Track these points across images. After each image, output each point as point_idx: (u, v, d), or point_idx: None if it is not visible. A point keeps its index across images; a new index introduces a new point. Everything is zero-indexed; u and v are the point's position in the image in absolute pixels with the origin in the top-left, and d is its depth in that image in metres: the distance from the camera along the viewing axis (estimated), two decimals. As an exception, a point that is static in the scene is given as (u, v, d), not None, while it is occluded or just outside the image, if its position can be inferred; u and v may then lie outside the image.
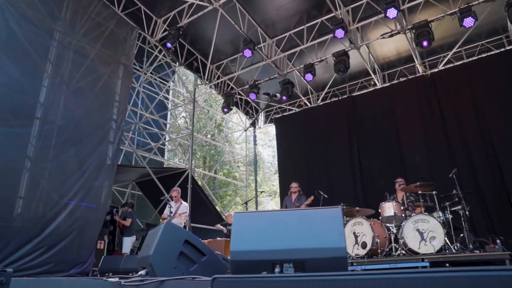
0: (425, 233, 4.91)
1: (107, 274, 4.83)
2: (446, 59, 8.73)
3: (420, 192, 5.54)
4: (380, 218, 5.83)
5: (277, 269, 1.84)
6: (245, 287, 1.42)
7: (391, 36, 7.87)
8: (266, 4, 8.22)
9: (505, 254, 4.38)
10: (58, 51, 6.06)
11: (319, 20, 8.41)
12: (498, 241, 4.81)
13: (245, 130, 12.27)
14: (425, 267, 4.63)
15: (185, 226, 7.22)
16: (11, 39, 5.27)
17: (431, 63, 9.27)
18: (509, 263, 4.29)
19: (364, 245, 5.36)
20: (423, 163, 8.05)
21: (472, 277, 1.17)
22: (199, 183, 12.25)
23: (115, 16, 7.41)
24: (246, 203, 8.06)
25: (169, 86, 14.70)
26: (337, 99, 10.43)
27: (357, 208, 6.05)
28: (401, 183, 6.39)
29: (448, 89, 8.25)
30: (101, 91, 6.68)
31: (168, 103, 15.56)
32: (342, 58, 8.18)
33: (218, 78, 10.54)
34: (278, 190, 15.43)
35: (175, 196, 6.67)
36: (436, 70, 8.89)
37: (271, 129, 16.01)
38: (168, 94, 15.58)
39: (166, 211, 6.55)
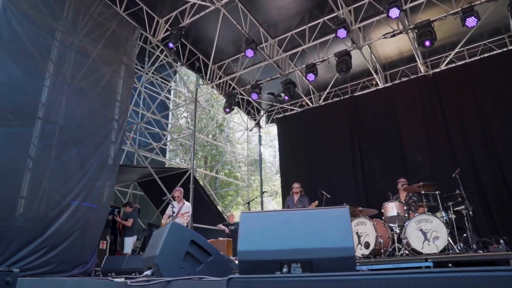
0: (428, 233, 4.91)
1: (110, 274, 4.83)
2: (448, 59, 8.72)
3: (423, 192, 5.53)
4: (383, 218, 5.81)
5: (284, 269, 1.83)
6: (261, 287, 1.41)
7: (393, 36, 7.85)
8: (268, 4, 8.21)
9: (509, 254, 4.37)
10: (60, 51, 6.05)
11: (321, 20, 8.40)
12: (501, 241, 4.81)
13: (250, 130, 12.24)
14: (429, 267, 4.61)
15: (187, 226, 7.21)
16: (13, 39, 5.26)
17: (433, 63, 9.25)
18: (513, 263, 4.27)
19: (367, 245, 5.34)
20: (425, 163, 8.06)
21: (476, 277, 1.17)
22: (201, 183, 12.24)
23: (117, 16, 7.40)
24: (248, 203, 8.04)
25: (170, 86, 14.70)
26: (339, 99, 10.42)
27: (360, 208, 6.02)
28: (404, 183, 6.37)
29: (450, 89, 8.25)
30: (103, 91, 6.67)
31: (169, 103, 15.54)
32: (344, 58, 8.17)
33: (220, 78, 10.52)
34: (279, 190, 15.46)
35: (178, 196, 6.68)
36: (438, 70, 8.88)
37: (273, 129, 16.06)
38: (170, 94, 15.56)
39: (168, 211, 6.55)
